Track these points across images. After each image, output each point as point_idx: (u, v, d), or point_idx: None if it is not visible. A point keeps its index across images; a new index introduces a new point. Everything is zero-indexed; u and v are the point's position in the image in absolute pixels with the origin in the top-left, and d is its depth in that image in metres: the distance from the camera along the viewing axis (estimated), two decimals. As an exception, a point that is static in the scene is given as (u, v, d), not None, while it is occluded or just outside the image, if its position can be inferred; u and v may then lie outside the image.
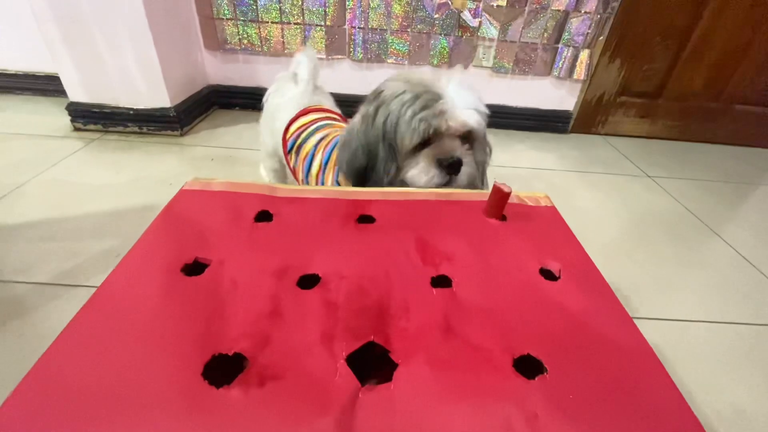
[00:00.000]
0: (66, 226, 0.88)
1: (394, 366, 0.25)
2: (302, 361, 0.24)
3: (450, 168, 0.53)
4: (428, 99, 0.51)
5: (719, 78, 1.49)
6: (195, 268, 0.31)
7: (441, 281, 0.32)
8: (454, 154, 0.52)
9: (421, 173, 0.53)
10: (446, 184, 0.54)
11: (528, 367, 0.26)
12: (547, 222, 0.42)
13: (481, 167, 0.59)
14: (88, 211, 0.93)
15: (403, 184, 0.56)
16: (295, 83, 0.84)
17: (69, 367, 0.23)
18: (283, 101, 0.83)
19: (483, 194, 0.44)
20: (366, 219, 0.39)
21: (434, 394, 0.24)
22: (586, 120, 1.59)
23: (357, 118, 0.59)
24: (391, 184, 0.55)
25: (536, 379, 0.25)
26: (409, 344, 0.27)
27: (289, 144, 0.75)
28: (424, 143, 0.53)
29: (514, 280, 0.33)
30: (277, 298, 0.28)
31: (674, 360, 0.67)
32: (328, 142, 0.68)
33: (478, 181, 0.58)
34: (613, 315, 0.31)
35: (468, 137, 0.55)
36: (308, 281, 0.30)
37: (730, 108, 1.56)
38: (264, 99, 0.92)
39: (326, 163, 0.66)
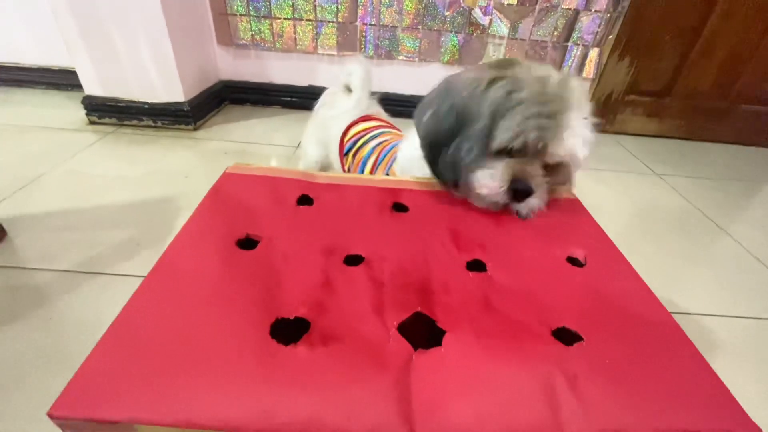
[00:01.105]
0: (85, 216, 0.89)
1: (442, 333, 0.27)
2: (358, 327, 0.25)
3: (516, 193, 0.43)
4: (551, 109, 0.42)
5: (727, 78, 1.50)
6: (247, 243, 0.32)
7: (476, 266, 0.34)
8: (531, 181, 0.43)
9: (486, 181, 0.44)
10: (504, 205, 0.45)
11: (565, 336, 0.28)
12: (571, 213, 0.43)
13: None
14: (105, 203, 0.94)
15: (466, 183, 0.46)
16: (347, 93, 0.84)
17: (143, 327, 0.24)
18: (336, 113, 0.83)
19: None
20: (400, 207, 0.40)
21: (481, 356, 0.25)
22: (594, 118, 1.60)
23: (468, 75, 0.48)
24: (455, 176, 0.47)
25: (574, 345, 0.27)
26: (453, 316, 0.28)
27: (346, 147, 0.76)
28: (508, 151, 0.44)
29: (543, 266, 0.35)
30: (327, 273, 0.29)
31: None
32: (384, 147, 0.69)
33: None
34: (639, 294, 0.32)
35: (555, 167, 0.46)
36: (353, 260, 0.32)
37: (737, 108, 1.57)
38: (313, 112, 0.92)
39: (380, 164, 0.67)
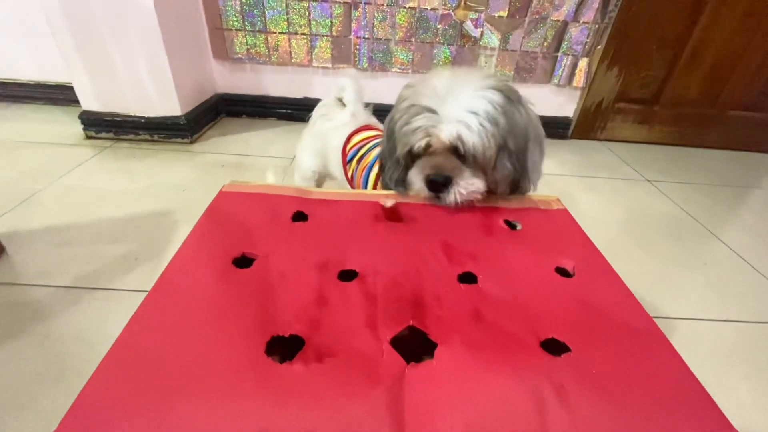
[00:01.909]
0: (83, 231, 0.90)
1: (434, 346, 0.28)
2: (352, 342, 0.26)
3: (431, 185, 0.48)
4: (419, 111, 0.48)
5: (714, 85, 1.54)
6: (243, 261, 0.33)
7: (467, 278, 0.35)
8: (440, 172, 0.48)
9: (414, 182, 0.51)
10: (438, 198, 0.50)
11: (553, 347, 0.29)
12: (560, 224, 0.45)
13: (501, 183, 0.52)
14: (103, 217, 0.95)
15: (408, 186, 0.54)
16: (341, 107, 0.87)
17: (143, 349, 0.25)
18: (335, 124, 0.85)
19: (503, 200, 0.47)
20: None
21: (472, 368, 0.26)
22: (585, 126, 1.63)
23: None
24: (398, 183, 0.55)
25: (561, 356, 0.28)
26: (445, 329, 0.29)
27: (350, 154, 0.78)
28: (421, 153, 0.51)
29: (533, 277, 0.36)
30: (322, 289, 0.30)
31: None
32: None
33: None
34: (626, 305, 0.33)
35: (466, 156, 0.49)
36: (347, 275, 0.33)
37: (724, 114, 1.60)
38: (309, 124, 0.93)
39: None
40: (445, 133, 0.47)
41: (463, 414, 0.24)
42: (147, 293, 0.29)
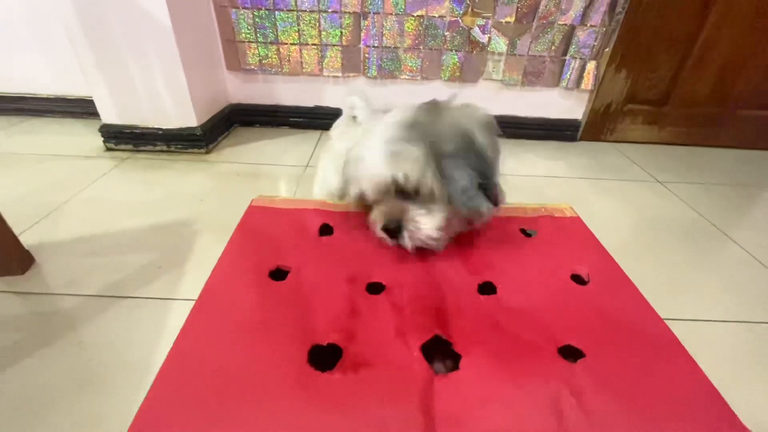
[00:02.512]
0: (107, 241, 0.93)
1: (458, 357, 0.30)
2: (385, 352, 0.28)
3: (390, 234, 0.44)
4: (350, 162, 0.48)
5: (723, 84, 1.53)
6: (278, 273, 0.36)
7: (486, 288, 0.37)
8: (390, 218, 0.44)
9: (374, 229, 0.47)
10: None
11: (570, 353, 0.30)
12: (573, 232, 0.46)
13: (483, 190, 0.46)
14: (126, 227, 0.98)
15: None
16: (355, 125, 0.89)
17: (196, 356, 0.28)
18: (352, 144, 0.87)
19: (518, 209, 0.49)
20: None
21: (495, 377, 0.28)
22: (594, 128, 1.63)
23: None
24: None
25: (578, 362, 0.29)
26: (467, 339, 0.31)
27: None
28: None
29: (549, 284, 0.37)
30: (353, 300, 0.33)
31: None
32: None
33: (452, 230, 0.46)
34: (640, 311, 0.35)
35: (406, 186, 0.44)
36: (374, 288, 0.35)
37: (734, 113, 1.59)
38: (328, 145, 0.96)
39: None
40: (365, 183, 0.45)
41: (487, 419, 0.26)
42: (190, 311, 0.31)
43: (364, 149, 0.45)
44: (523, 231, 0.46)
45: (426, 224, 0.43)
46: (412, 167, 0.42)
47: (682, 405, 0.27)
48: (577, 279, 0.39)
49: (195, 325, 0.30)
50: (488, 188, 0.45)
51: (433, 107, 0.47)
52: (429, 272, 0.37)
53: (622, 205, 1.20)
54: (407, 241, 0.44)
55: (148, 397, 0.25)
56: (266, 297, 0.32)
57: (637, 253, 0.97)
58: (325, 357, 0.28)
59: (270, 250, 0.38)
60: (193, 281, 0.82)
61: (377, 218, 0.46)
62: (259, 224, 0.42)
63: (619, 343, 0.31)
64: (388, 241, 0.45)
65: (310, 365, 0.27)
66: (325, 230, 0.42)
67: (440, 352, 0.30)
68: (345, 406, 0.25)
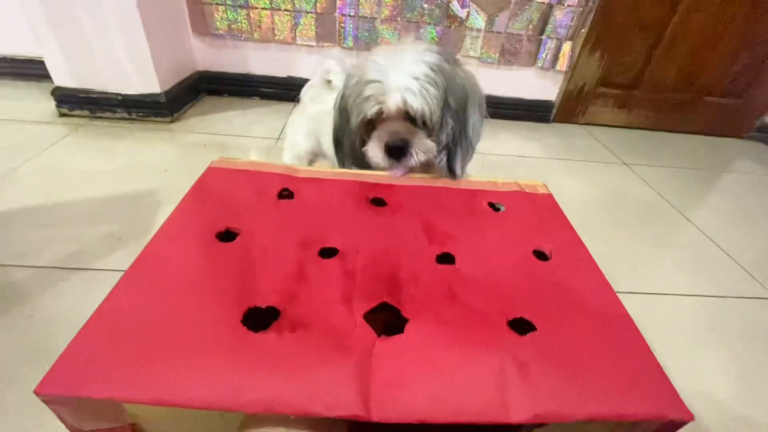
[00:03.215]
0: (62, 212, 0.88)
1: (404, 321, 0.30)
2: (326, 316, 0.28)
3: (391, 152, 0.52)
4: (367, 83, 0.52)
5: (691, 71, 1.57)
6: (227, 235, 0.34)
7: (445, 258, 0.37)
8: (397, 138, 0.52)
9: (372, 152, 0.54)
10: (395, 165, 0.54)
11: (521, 326, 0.31)
12: (543, 208, 0.46)
13: (448, 150, 0.56)
14: (82, 197, 0.93)
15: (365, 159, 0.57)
16: (330, 89, 0.87)
17: (126, 313, 0.27)
18: (327, 108, 0.86)
19: (490, 183, 0.49)
20: (378, 202, 0.43)
21: (439, 344, 0.28)
22: (567, 110, 1.66)
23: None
24: (356, 157, 0.59)
25: (527, 335, 0.30)
26: (417, 306, 0.31)
27: None
28: (375, 122, 0.55)
29: (510, 258, 0.38)
30: (302, 264, 0.32)
31: (646, 328, 0.74)
32: None
33: (442, 165, 0.56)
34: (597, 288, 0.35)
35: (416, 120, 0.53)
36: (328, 252, 0.34)
37: (700, 100, 1.65)
38: (300, 106, 0.93)
39: None
40: (392, 101, 0.50)
41: (426, 387, 0.26)
42: (130, 266, 0.30)
43: (386, 74, 0.50)
44: (491, 205, 0.46)
45: (429, 146, 0.53)
46: (430, 103, 0.50)
47: (625, 381, 0.27)
48: (540, 255, 0.39)
49: (129, 281, 0.29)
50: (460, 151, 0.55)
51: (452, 58, 0.54)
52: (389, 240, 0.37)
53: (589, 185, 1.24)
54: (412, 160, 0.52)
55: (68, 349, 0.24)
56: (209, 257, 0.31)
57: (599, 230, 1.01)
58: (262, 319, 0.27)
59: (222, 212, 0.36)
60: (154, 253, 0.79)
61: (382, 137, 0.52)
62: (215, 185, 0.40)
63: (571, 319, 0.31)
64: (384, 161, 0.52)
65: (243, 325, 0.26)
66: (286, 195, 0.41)
67: (388, 319, 0.30)
68: (275, 366, 0.25)
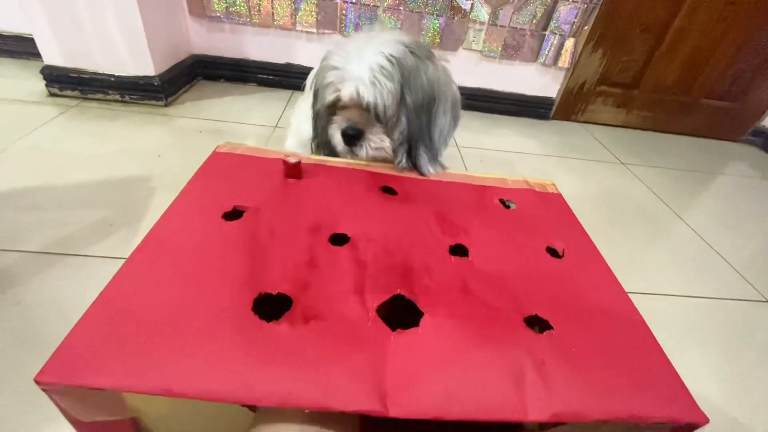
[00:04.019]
0: (53, 195, 0.85)
1: (420, 315, 0.29)
2: (338, 307, 0.27)
3: (345, 137, 0.53)
4: (329, 69, 0.52)
5: (690, 73, 1.58)
6: (234, 214, 0.33)
7: (458, 250, 0.36)
8: (351, 125, 0.53)
9: (333, 136, 0.56)
10: (352, 152, 0.55)
11: (536, 324, 0.30)
12: (553, 207, 0.46)
13: (407, 143, 0.53)
14: (74, 181, 0.90)
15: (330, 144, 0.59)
16: None
17: (131, 298, 0.25)
18: None
19: (499, 180, 0.48)
20: (388, 191, 0.42)
21: (455, 339, 0.28)
22: (567, 107, 1.65)
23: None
24: (325, 141, 0.60)
25: (544, 333, 0.29)
26: (432, 299, 0.30)
27: None
28: (336, 106, 0.55)
29: (523, 254, 0.37)
30: (313, 251, 0.31)
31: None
32: None
33: (403, 164, 0.53)
34: (610, 289, 0.35)
35: (374, 111, 0.51)
36: (338, 239, 0.33)
37: (698, 102, 1.66)
38: (305, 93, 0.91)
39: None
40: (346, 90, 0.50)
41: (443, 382, 0.25)
42: (134, 250, 0.29)
43: (346, 62, 0.50)
44: (502, 202, 0.46)
45: (383, 140, 0.53)
46: (384, 97, 0.49)
47: (641, 382, 0.27)
48: (553, 252, 0.39)
49: (133, 265, 0.27)
50: (424, 152, 0.52)
51: (424, 53, 0.52)
52: (401, 229, 0.36)
53: (586, 183, 1.24)
54: (363, 150, 0.53)
55: (69, 336, 0.23)
56: (216, 240, 0.30)
57: (597, 230, 1.01)
58: (273, 307, 0.26)
59: (229, 192, 0.35)
60: (148, 240, 0.77)
61: (341, 123, 0.53)
62: (221, 169, 0.39)
63: (586, 318, 0.31)
64: (342, 146, 0.53)
65: (254, 313, 0.25)
66: (294, 176, 0.40)
67: (401, 310, 0.29)
68: (288, 359, 0.24)
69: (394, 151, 0.53)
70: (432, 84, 0.51)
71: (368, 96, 0.48)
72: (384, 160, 0.54)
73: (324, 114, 0.57)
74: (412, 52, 0.50)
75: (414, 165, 0.53)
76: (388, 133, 0.53)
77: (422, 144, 0.52)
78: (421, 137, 0.52)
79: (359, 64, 0.49)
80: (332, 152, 0.59)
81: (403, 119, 0.51)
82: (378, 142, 0.53)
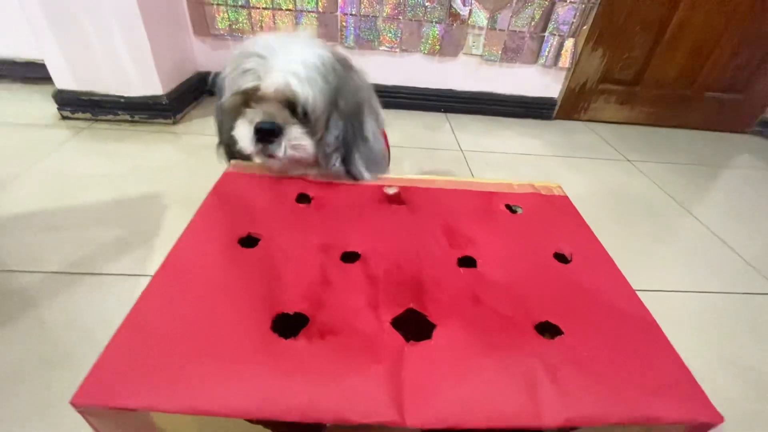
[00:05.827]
0: (69, 216, 0.88)
1: (432, 327, 0.30)
2: (353, 322, 0.28)
3: (259, 134, 0.46)
4: (249, 57, 0.46)
5: (692, 67, 1.57)
6: (249, 241, 0.34)
7: (466, 262, 0.37)
8: (267, 119, 0.46)
9: (240, 133, 0.49)
10: (267, 154, 0.49)
11: (547, 330, 0.31)
12: (560, 210, 0.46)
13: (343, 154, 0.51)
14: (89, 201, 0.93)
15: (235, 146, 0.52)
16: None
17: (155, 321, 0.27)
18: None
19: (505, 185, 0.49)
20: (395, 201, 0.43)
21: (468, 348, 0.28)
22: (569, 107, 1.66)
23: None
24: (228, 144, 0.54)
25: (555, 339, 0.30)
26: (443, 311, 0.31)
27: None
28: (248, 102, 0.49)
29: (531, 261, 0.37)
30: (325, 269, 0.32)
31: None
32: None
33: (335, 168, 0.51)
34: (620, 291, 0.35)
35: (296, 109, 0.48)
36: (349, 257, 0.34)
37: (701, 95, 1.65)
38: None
39: None
40: (273, 79, 0.45)
41: (459, 392, 0.26)
42: (154, 273, 0.30)
43: (273, 52, 0.45)
44: (508, 207, 0.46)
45: (305, 141, 0.48)
46: (316, 95, 0.45)
47: (656, 386, 0.27)
48: (560, 257, 0.39)
49: (156, 289, 0.29)
50: (359, 157, 0.50)
51: (347, 63, 0.51)
52: (409, 243, 0.37)
53: (593, 182, 1.24)
54: (281, 150, 0.46)
55: (101, 359, 0.24)
56: (234, 264, 0.31)
57: (604, 227, 1.01)
58: (290, 326, 0.27)
59: (242, 217, 0.37)
60: (162, 257, 0.78)
61: (254, 118, 0.47)
62: (233, 190, 0.40)
63: (596, 322, 0.31)
64: (252, 146, 0.46)
65: (273, 332, 0.26)
66: (303, 199, 0.41)
67: (414, 324, 0.30)
68: (307, 373, 0.25)
69: (327, 155, 0.50)
70: (359, 91, 0.51)
71: (301, 91, 0.44)
72: (300, 164, 0.50)
73: (229, 108, 0.49)
74: (338, 60, 0.49)
75: (348, 171, 0.51)
76: (310, 134, 0.49)
77: (356, 149, 0.51)
78: (355, 142, 0.50)
79: (290, 57, 0.45)
80: (239, 155, 0.53)
81: (340, 124, 0.49)
82: (297, 139, 0.47)
